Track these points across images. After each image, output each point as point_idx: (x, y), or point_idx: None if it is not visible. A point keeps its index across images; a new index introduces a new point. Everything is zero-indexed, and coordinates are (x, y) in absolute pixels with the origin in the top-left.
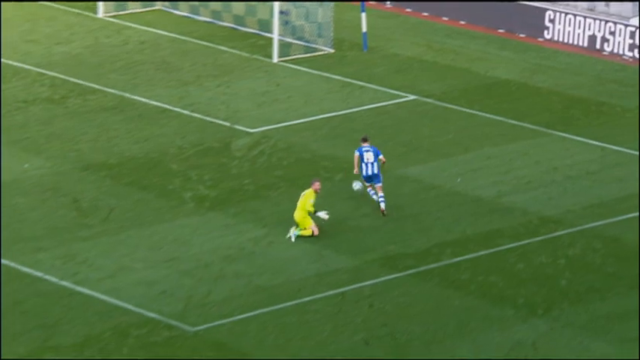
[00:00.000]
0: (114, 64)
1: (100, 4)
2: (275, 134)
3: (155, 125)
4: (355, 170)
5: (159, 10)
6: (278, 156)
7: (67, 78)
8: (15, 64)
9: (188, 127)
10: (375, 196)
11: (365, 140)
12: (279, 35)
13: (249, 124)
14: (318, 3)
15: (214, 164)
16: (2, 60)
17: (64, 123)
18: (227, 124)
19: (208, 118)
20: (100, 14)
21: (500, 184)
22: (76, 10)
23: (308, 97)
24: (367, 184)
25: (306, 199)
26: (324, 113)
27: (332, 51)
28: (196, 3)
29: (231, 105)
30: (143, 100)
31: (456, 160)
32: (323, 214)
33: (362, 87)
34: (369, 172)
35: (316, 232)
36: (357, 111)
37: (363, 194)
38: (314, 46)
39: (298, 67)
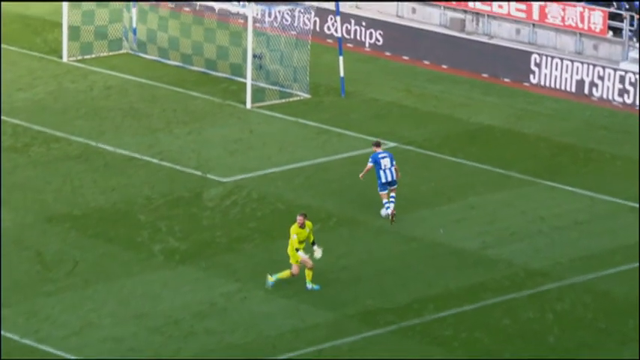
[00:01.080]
0: (79, 111)
1: (65, 47)
2: (249, 184)
3: (122, 174)
4: (361, 175)
5: (126, 53)
6: (252, 206)
7: (29, 125)
8: None
9: (157, 176)
10: (389, 207)
11: (378, 145)
12: (253, 80)
13: (222, 172)
14: (293, 46)
15: (185, 215)
16: None
17: (27, 172)
18: (198, 173)
19: (178, 167)
20: (65, 58)
21: (485, 235)
22: (39, 54)
23: (283, 145)
24: (383, 192)
25: (291, 233)
26: (300, 162)
27: (308, 96)
28: (165, 46)
29: (202, 153)
30: (110, 148)
31: (439, 211)
32: (317, 253)
33: (339, 134)
34: (389, 178)
35: (296, 272)
36: (334, 159)
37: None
38: (289, 91)
39: (272, 114)
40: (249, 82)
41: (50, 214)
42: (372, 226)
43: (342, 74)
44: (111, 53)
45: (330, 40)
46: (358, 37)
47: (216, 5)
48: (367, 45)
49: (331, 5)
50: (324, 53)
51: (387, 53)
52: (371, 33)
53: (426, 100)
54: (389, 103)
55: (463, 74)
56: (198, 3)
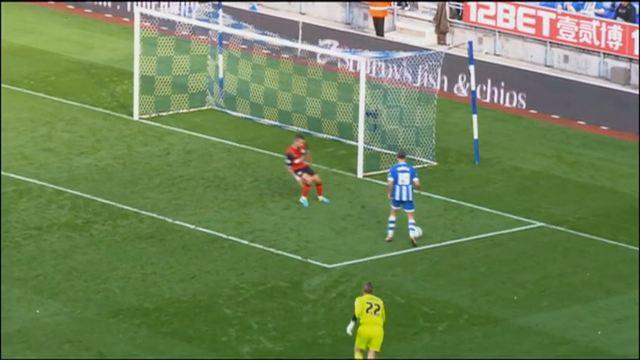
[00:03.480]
0: (152, 180)
1: (136, 102)
2: (359, 271)
3: (204, 259)
4: (389, 195)
5: (210, 110)
6: None
7: (91, 197)
8: (26, 179)
9: (247, 261)
10: (392, 229)
11: (402, 157)
12: (365, 143)
13: (326, 257)
14: (416, 101)
15: (280, 309)
16: (9, 174)
17: (88, 256)
18: (297, 257)
19: (273, 250)
20: (136, 116)
21: None
22: (105, 111)
23: (402, 223)
24: (394, 208)
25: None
26: (423, 244)
27: (434, 163)
28: (259, 101)
29: (302, 233)
30: (189, 226)
31: (596, 307)
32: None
33: (472, 210)
34: (403, 197)
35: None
36: (465, 241)
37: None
38: (410, 156)
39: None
40: (361, 145)
41: (116, 307)
42: (512, 325)
43: (476, 137)
44: (192, 110)
45: (461, 95)
46: (497, 91)
47: (322, 52)
48: (508, 101)
49: (463, 52)
50: (454, 110)
51: (533, 111)
52: (512, 86)
53: (580, 170)
54: (534, 172)
55: (627, 138)
56: (300, 48)
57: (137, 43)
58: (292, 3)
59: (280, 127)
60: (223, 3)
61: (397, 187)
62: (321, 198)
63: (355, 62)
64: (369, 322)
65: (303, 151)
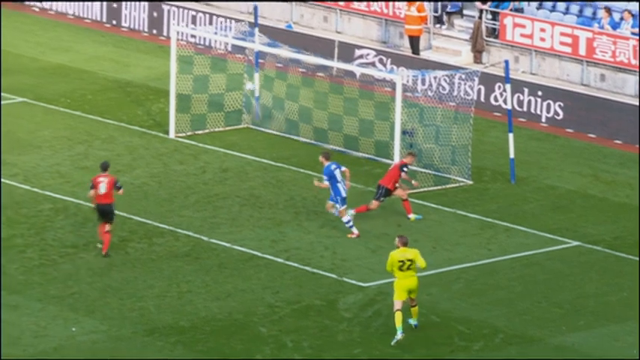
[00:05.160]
0: (188, 198)
1: (172, 120)
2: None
3: (240, 277)
4: (316, 183)
5: (246, 128)
6: None
7: (127, 216)
8: (62, 197)
9: (282, 279)
10: (349, 224)
11: (329, 157)
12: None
13: (361, 276)
14: (452, 120)
15: (315, 328)
16: (46, 192)
17: (124, 274)
18: (333, 275)
19: (308, 268)
20: (172, 134)
21: None
22: (140, 129)
23: (438, 242)
24: (344, 207)
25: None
26: (459, 263)
27: (470, 182)
28: (295, 119)
29: (337, 251)
30: (225, 244)
31: (632, 326)
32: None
33: (508, 229)
34: (345, 194)
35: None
36: (501, 261)
37: None
38: (446, 175)
39: (425, 203)
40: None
41: (152, 326)
42: (548, 345)
43: (512, 155)
44: (228, 128)
45: (497, 114)
46: (533, 110)
47: (358, 70)
48: (544, 119)
49: (499, 71)
50: (491, 129)
51: (569, 130)
52: (549, 105)
53: (617, 189)
54: (570, 191)
55: None
56: (336, 67)
57: (174, 62)
58: (328, 21)
59: (316, 145)
60: (259, 22)
61: (340, 185)
62: (412, 216)
63: (391, 81)
64: (405, 276)
65: (406, 170)
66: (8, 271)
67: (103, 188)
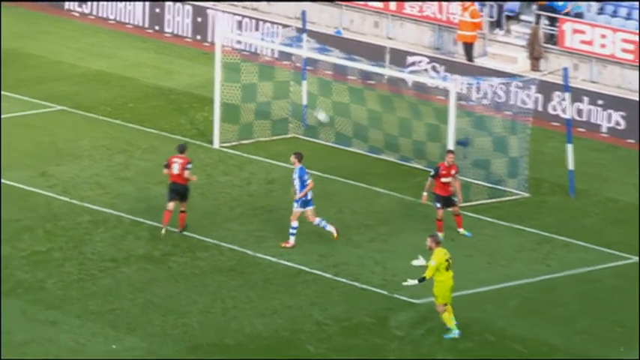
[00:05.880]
0: (233, 211)
1: (216, 129)
2: None
3: (286, 293)
4: (301, 194)
5: (293, 138)
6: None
7: (169, 229)
8: (102, 209)
9: (330, 295)
10: (323, 223)
11: (301, 159)
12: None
13: (413, 292)
14: (509, 130)
15: (365, 346)
16: (85, 204)
17: (166, 289)
18: (383, 292)
19: (357, 284)
20: (216, 144)
21: None
22: (184, 139)
23: (493, 257)
24: (303, 209)
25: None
26: (515, 279)
27: (526, 195)
28: (344, 129)
29: (388, 266)
30: (271, 258)
31: None
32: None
33: (567, 244)
34: (311, 196)
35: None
36: (559, 277)
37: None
38: (502, 188)
39: (480, 217)
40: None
41: (195, 343)
42: None
43: (571, 167)
44: (275, 137)
45: (556, 123)
46: (593, 120)
47: (411, 78)
48: (604, 129)
49: (558, 79)
50: (549, 140)
51: (630, 140)
52: (609, 114)
53: None
54: (632, 204)
55: None
56: (387, 75)
57: (218, 69)
58: (379, 27)
59: (366, 155)
60: (307, 27)
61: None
62: (461, 231)
63: (445, 89)
64: (449, 277)
65: (453, 172)
66: (46, 286)
67: (176, 169)
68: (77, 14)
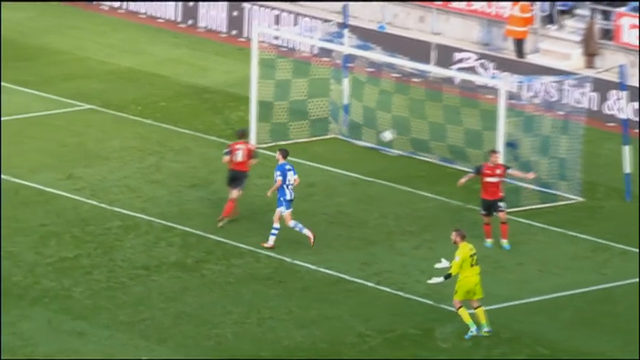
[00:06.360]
0: (269, 216)
1: (252, 129)
2: (497, 317)
3: (326, 302)
4: (269, 193)
5: (333, 139)
6: (501, 349)
7: (204, 234)
8: (132, 214)
9: (373, 305)
10: (299, 227)
11: (286, 156)
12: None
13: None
14: (562, 130)
15: (410, 359)
16: (115, 208)
17: (199, 298)
18: (429, 302)
19: (401, 293)
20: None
21: None
22: (218, 139)
23: (545, 265)
24: (286, 211)
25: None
26: (568, 289)
27: (580, 199)
28: (388, 129)
29: (434, 274)
30: (310, 266)
31: None
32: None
33: (624, 252)
34: (292, 196)
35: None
36: (616, 286)
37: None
38: (554, 192)
39: (531, 222)
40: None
41: (229, 355)
42: None
43: (627, 170)
44: (313, 138)
45: (612, 124)
46: None
47: (458, 76)
48: None
49: (614, 76)
50: (604, 141)
51: None
52: None
53: None
54: None
55: None
56: (433, 72)
57: (255, 66)
58: (425, 22)
59: (410, 156)
60: (349, 22)
61: (286, 188)
62: (504, 242)
63: (494, 87)
64: (473, 273)
65: (498, 172)
66: (73, 295)
67: (239, 156)
68: (106, 8)
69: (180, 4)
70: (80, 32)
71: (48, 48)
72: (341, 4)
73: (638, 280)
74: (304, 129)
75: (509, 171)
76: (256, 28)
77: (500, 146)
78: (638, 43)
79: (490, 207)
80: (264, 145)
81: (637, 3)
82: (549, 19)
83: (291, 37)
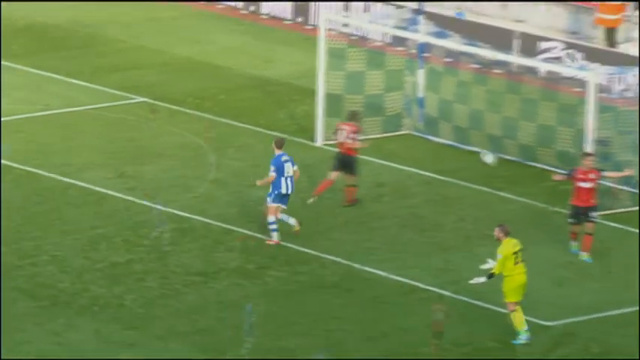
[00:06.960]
0: (337, 219)
1: (319, 125)
2: (586, 331)
3: (399, 313)
4: (259, 182)
5: (407, 135)
6: None
7: (266, 239)
8: (189, 215)
9: (450, 316)
10: (277, 230)
11: (282, 146)
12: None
13: (546, 313)
14: None
15: None
16: (170, 209)
17: (261, 307)
18: None
19: (480, 303)
20: (319, 141)
21: None
22: (282, 135)
23: (635, 275)
24: (280, 206)
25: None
26: None
27: None
28: (466, 125)
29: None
30: (380, 272)
31: None
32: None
33: None
34: (290, 190)
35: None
36: None
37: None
38: None
39: (625, 227)
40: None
41: None
42: None
43: None
44: (386, 134)
45: None
46: None
47: (543, 67)
48: None
49: None
50: None
51: None
52: None
53: None
54: None
55: None
56: (516, 63)
57: (322, 56)
58: (507, 9)
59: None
60: (425, 9)
61: (283, 180)
62: (584, 255)
63: (582, 79)
64: (520, 272)
65: (592, 176)
66: (124, 303)
67: (341, 137)
68: None
69: None
70: (134, 20)
71: (98, 36)
72: None
73: None
74: (376, 125)
75: (604, 173)
76: (324, 15)
77: (590, 144)
78: None
79: (580, 214)
80: (332, 142)
81: None
82: None
83: (362, 24)
